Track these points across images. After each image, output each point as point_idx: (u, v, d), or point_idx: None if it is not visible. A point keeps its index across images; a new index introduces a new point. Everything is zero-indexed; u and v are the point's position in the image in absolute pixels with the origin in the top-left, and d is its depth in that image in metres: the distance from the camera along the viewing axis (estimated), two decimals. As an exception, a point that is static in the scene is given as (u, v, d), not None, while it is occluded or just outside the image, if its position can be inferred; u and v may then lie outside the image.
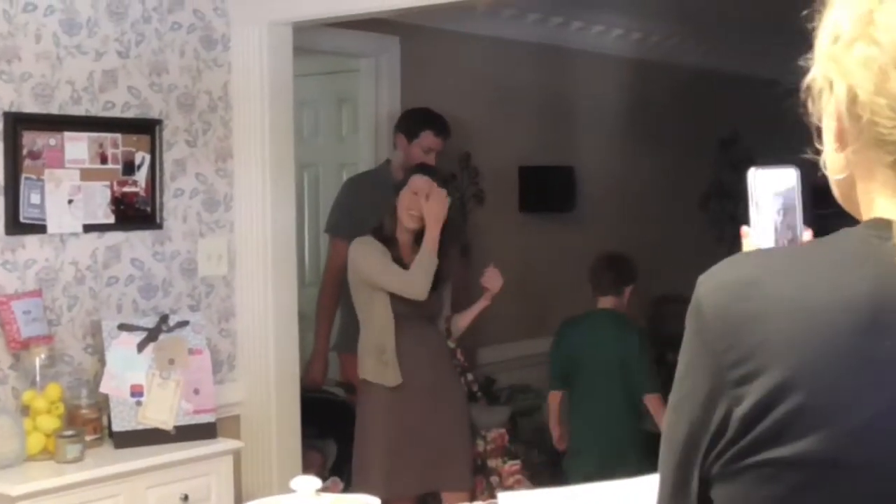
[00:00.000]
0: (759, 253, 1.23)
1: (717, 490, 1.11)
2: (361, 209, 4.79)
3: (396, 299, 4.06)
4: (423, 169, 4.38)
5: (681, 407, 1.14)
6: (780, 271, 1.11)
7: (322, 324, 4.84)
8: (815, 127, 1.18)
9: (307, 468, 4.45)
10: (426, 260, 4.04)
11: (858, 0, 1.10)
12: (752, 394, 1.06)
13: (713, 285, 1.13)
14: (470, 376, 4.28)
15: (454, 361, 4.24)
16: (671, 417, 1.16)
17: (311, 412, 4.58)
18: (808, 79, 1.17)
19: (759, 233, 1.30)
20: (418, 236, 4.13)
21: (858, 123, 1.09)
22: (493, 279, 4.24)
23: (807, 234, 1.29)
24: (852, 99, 1.09)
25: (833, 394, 1.03)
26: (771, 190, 1.30)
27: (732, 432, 1.07)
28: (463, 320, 4.33)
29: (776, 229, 1.29)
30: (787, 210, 1.29)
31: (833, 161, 1.17)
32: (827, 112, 1.15)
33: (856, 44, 1.09)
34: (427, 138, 4.81)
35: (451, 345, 4.25)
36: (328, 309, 4.83)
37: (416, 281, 4.03)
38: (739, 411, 1.06)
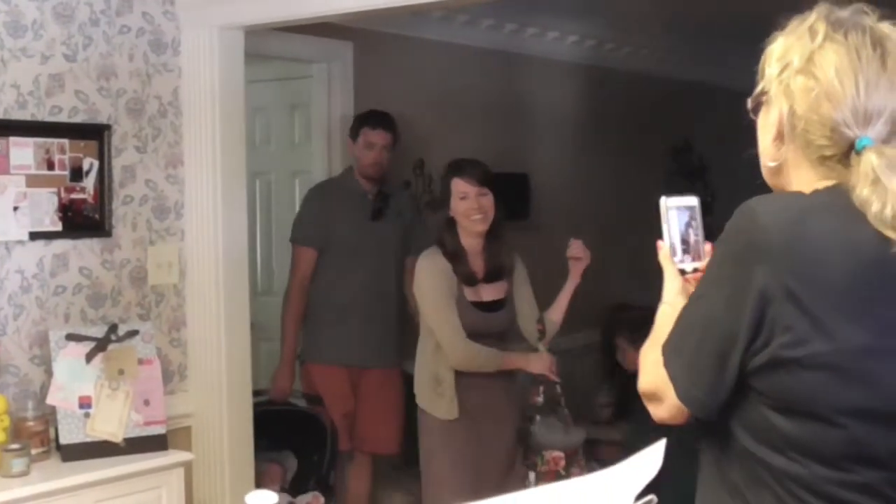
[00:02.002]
0: (795, 195, 1.62)
1: (758, 378, 1.56)
2: (326, 217, 4.77)
3: (462, 315, 3.87)
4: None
5: (727, 303, 1.55)
6: (818, 218, 1.54)
7: (289, 333, 4.79)
8: (755, 121, 1.69)
9: (267, 482, 4.39)
10: (492, 360, 3.87)
11: (804, 42, 1.61)
12: (795, 303, 1.50)
13: (773, 209, 1.56)
14: (558, 388, 3.96)
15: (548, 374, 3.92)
16: (714, 312, 1.58)
17: (268, 424, 4.52)
18: (757, 90, 1.68)
19: (669, 243, 1.79)
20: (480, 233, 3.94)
21: (794, 131, 1.62)
22: (580, 249, 4.02)
23: (707, 246, 1.77)
24: (792, 113, 1.61)
25: (846, 318, 1.50)
26: (678, 209, 1.79)
27: (773, 329, 1.52)
28: (556, 313, 4.08)
29: (682, 238, 1.78)
30: (691, 222, 1.79)
31: (769, 152, 1.68)
32: (770, 118, 1.66)
33: (799, 75, 1.60)
34: (365, 134, 4.80)
35: (543, 348, 3.98)
36: (295, 318, 4.78)
37: (464, 357, 3.86)
38: (786, 314, 1.51)
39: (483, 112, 6.04)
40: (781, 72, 1.62)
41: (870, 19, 1.62)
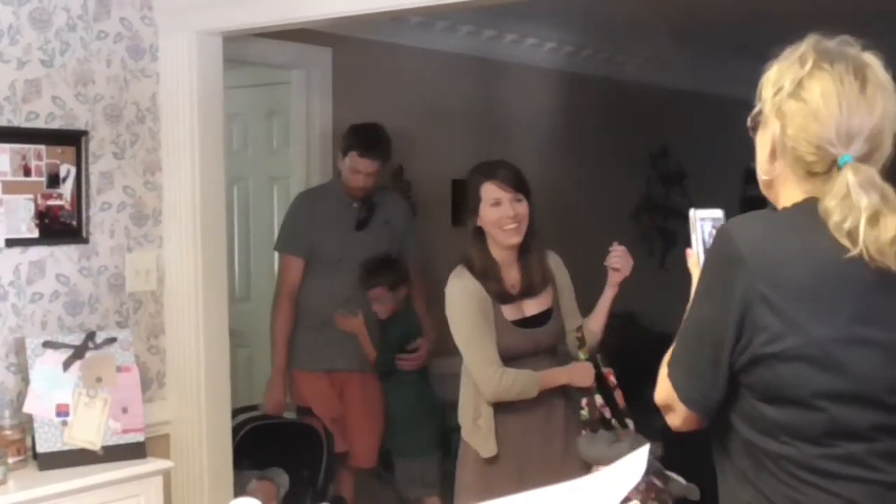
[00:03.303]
0: (764, 213, 1.90)
1: (745, 375, 1.80)
2: (312, 226, 4.74)
3: (503, 337, 3.47)
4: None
5: (714, 313, 1.81)
6: (782, 228, 1.83)
7: (279, 345, 4.74)
8: (754, 138, 1.92)
9: (262, 500, 4.34)
10: (531, 384, 3.44)
11: (795, 69, 1.83)
12: (768, 306, 1.75)
13: (744, 229, 1.82)
14: (598, 399, 3.48)
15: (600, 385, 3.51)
16: (704, 322, 1.83)
17: (260, 440, 4.50)
18: (755, 111, 1.90)
19: (697, 251, 1.99)
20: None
21: (785, 148, 1.84)
22: (622, 259, 3.57)
23: None
24: (783, 132, 1.83)
25: (812, 312, 1.75)
26: (706, 220, 1.99)
27: (752, 330, 1.76)
28: (595, 322, 3.65)
29: (706, 247, 1.97)
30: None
31: (764, 167, 1.91)
32: (765, 136, 1.88)
33: (790, 99, 1.82)
34: (353, 159, 4.72)
35: (583, 356, 3.55)
36: (285, 329, 4.73)
37: (497, 390, 3.43)
38: (761, 316, 1.76)
39: (462, 118, 6.04)
40: (775, 95, 1.84)
41: (853, 49, 1.84)
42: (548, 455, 3.53)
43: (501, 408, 3.47)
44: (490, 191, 3.49)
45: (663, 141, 7.50)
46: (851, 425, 1.76)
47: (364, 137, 4.74)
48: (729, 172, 6.68)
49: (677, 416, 1.91)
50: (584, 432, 3.44)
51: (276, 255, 4.95)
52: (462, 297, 3.48)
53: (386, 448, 4.93)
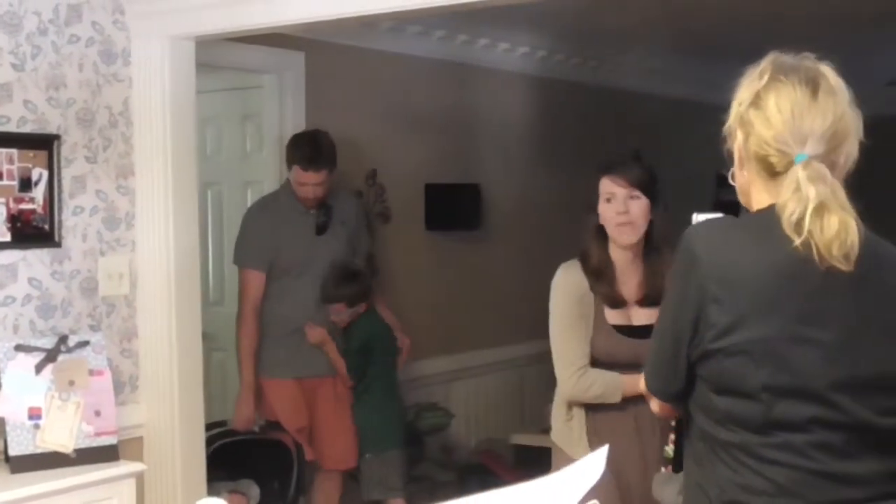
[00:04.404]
0: (724, 219, 2.10)
1: (700, 367, 1.98)
2: (270, 238, 4.71)
3: (600, 340, 3.30)
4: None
5: (675, 311, 2.02)
6: (737, 233, 2.01)
7: (246, 358, 4.71)
8: (727, 151, 2.08)
9: None
10: (612, 387, 3.25)
11: (755, 83, 2.01)
12: (718, 304, 1.92)
13: (701, 234, 2.02)
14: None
15: None
16: (668, 319, 2.05)
17: (227, 456, 4.51)
18: (725, 126, 2.06)
19: None
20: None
21: (749, 153, 2.01)
22: None
23: None
24: (747, 139, 2.01)
25: (759, 312, 1.91)
26: None
27: (704, 327, 1.94)
28: None
29: None
30: None
31: (735, 175, 2.09)
32: (735, 146, 2.05)
33: (750, 109, 2.00)
34: (296, 172, 4.69)
35: None
36: (251, 343, 4.71)
37: (574, 389, 3.28)
38: (712, 313, 1.93)
39: (435, 122, 6.06)
40: (738, 107, 2.03)
41: (809, 62, 2.03)
42: (639, 458, 3.30)
43: (593, 409, 3.31)
44: (605, 185, 3.34)
45: (635, 146, 7.53)
46: (790, 417, 1.92)
47: (305, 150, 4.69)
48: (703, 176, 6.74)
49: (655, 404, 2.21)
50: (663, 469, 3.03)
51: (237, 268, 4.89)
52: (562, 290, 3.35)
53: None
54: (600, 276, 3.31)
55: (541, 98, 6.83)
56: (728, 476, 1.97)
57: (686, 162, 7.24)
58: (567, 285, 3.34)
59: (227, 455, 4.55)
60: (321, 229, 4.80)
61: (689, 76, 7.41)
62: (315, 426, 4.85)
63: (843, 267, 1.87)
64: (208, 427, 4.55)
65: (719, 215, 2.17)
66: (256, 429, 4.76)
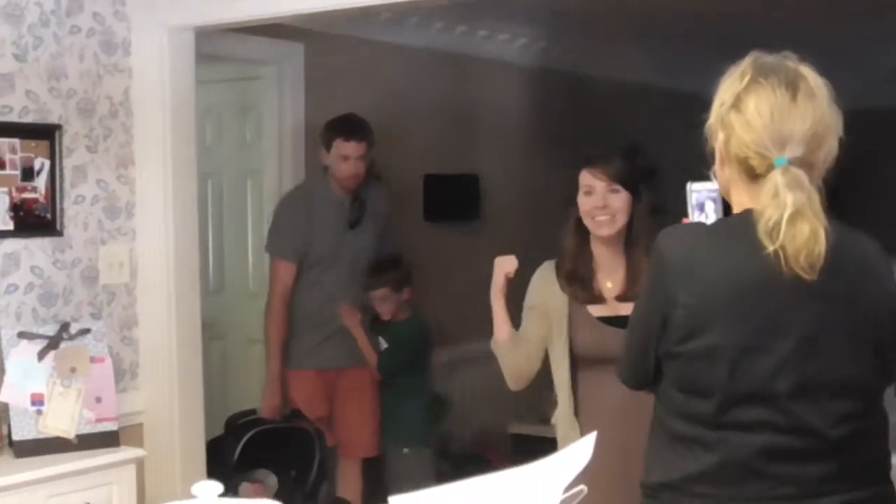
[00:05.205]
0: (696, 225, 2.18)
1: (664, 365, 2.09)
2: (304, 228, 4.72)
3: (582, 333, 3.20)
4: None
5: (645, 311, 2.12)
6: (707, 241, 2.07)
7: (274, 349, 4.73)
8: (709, 149, 2.11)
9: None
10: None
11: (735, 84, 2.02)
12: (683, 310, 2.00)
13: (672, 240, 2.08)
14: None
15: None
16: (639, 317, 2.16)
17: (251, 445, 4.55)
18: (707, 125, 2.09)
19: (691, 218, 2.21)
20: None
21: (730, 154, 2.04)
22: None
23: None
24: (727, 140, 2.03)
25: (722, 320, 1.99)
26: (700, 191, 2.21)
27: (669, 329, 2.02)
28: None
29: (702, 213, 2.21)
30: (713, 201, 2.21)
31: (717, 174, 2.12)
32: (716, 146, 2.08)
33: (731, 111, 2.02)
34: (339, 146, 4.73)
35: None
36: (279, 333, 4.73)
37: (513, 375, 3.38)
38: (677, 317, 2.01)
39: (433, 114, 6.08)
40: (719, 108, 2.05)
41: (790, 63, 2.04)
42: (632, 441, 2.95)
43: (587, 396, 3.21)
44: (585, 178, 3.27)
45: (635, 137, 7.55)
46: (741, 418, 2.00)
47: (345, 123, 4.78)
48: (701, 168, 6.76)
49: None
50: None
51: (268, 256, 4.91)
52: (532, 290, 3.37)
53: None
54: (574, 277, 3.24)
55: (540, 89, 6.85)
56: (676, 463, 2.07)
57: (683, 153, 7.26)
58: (535, 288, 3.35)
59: (253, 445, 4.60)
60: (354, 223, 4.82)
61: (691, 68, 7.43)
62: (335, 415, 4.87)
63: (807, 276, 1.91)
64: (238, 416, 4.65)
65: (713, 185, 2.16)
66: (279, 418, 4.79)
